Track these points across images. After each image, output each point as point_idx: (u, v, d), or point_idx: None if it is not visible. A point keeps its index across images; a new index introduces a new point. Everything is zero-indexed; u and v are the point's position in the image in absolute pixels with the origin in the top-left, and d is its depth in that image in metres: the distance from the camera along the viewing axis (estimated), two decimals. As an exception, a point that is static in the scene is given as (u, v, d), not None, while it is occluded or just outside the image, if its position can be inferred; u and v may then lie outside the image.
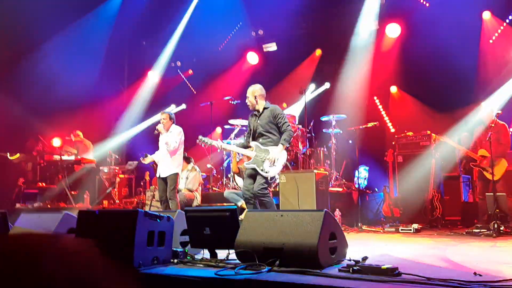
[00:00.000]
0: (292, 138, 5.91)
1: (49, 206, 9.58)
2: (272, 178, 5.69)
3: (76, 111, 11.10)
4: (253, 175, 5.73)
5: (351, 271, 3.10)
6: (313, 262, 3.25)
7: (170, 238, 3.82)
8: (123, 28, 11.82)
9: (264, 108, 5.81)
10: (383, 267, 3.01)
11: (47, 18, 10.09)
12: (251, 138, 5.89)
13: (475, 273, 2.98)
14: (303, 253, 3.30)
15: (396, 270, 2.99)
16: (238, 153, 7.97)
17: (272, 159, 5.56)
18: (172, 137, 7.21)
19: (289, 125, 5.74)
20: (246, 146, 5.97)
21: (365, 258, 3.32)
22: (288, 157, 8.80)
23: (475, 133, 7.73)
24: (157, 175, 7.30)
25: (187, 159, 8.65)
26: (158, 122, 7.46)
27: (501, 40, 9.41)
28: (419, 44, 9.61)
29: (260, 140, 5.76)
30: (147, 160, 7.61)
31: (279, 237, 3.49)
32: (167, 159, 7.19)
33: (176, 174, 7.20)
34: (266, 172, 5.59)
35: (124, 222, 3.56)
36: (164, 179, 7.18)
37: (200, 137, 6.26)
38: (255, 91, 5.84)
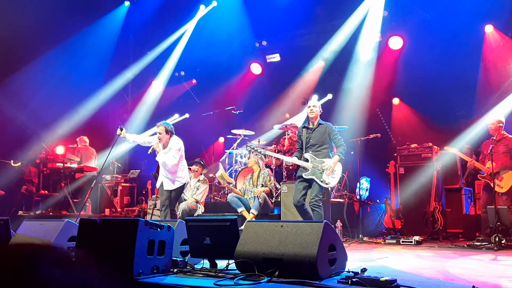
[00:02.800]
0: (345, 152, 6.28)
1: (51, 213, 9.61)
2: (332, 188, 6.00)
3: (80, 119, 11.17)
4: (307, 186, 6.07)
5: (350, 282, 3.11)
6: (312, 273, 3.26)
7: (170, 247, 3.84)
8: (128, 38, 11.91)
9: (319, 124, 6.23)
10: (381, 279, 3.03)
11: (52, 26, 10.20)
12: (304, 149, 6.27)
13: (473, 287, 2.99)
14: (302, 264, 3.32)
15: (394, 282, 3.00)
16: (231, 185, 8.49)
17: (329, 167, 5.93)
18: (170, 154, 6.71)
19: (343, 141, 6.21)
20: (298, 157, 6.31)
21: (364, 270, 3.34)
22: (291, 167, 8.82)
23: (483, 146, 7.63)
24: (159, 186, 6.89)
25: (202, 166, 8.56)
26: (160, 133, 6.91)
27: (504, 53, 9.43)
28: (421, 56, 9.65)
29: (311, 152, 6.15)
30: (123, 134, 6.96)
31: (278, 247, 3.50)
32: (170, 175, 6.79)
33: (183, 186, 6.90)
34: (327, 184, 5.94)
35: (124, 230, 3.59)
36: (169, 190, 6.84)
37: (249, 144, 6.79)
38: (320, 105, 6.33)
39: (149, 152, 6.97)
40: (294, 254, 3.40)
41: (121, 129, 6.99)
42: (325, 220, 3.55)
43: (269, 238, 3.62)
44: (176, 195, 6.88)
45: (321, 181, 5.93)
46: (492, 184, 6.87)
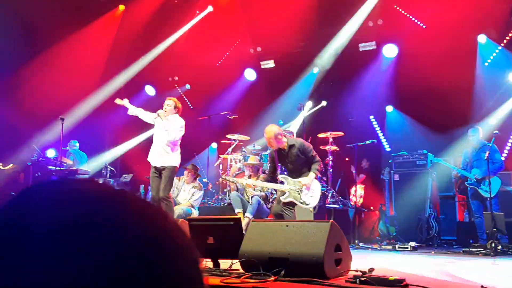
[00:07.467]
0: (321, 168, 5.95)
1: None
2: (314, 208, 5.67)
3: (73, 122, 11.05)
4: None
5: (358, 282, 3.08)
6: (318, 272, 3.22)
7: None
8: (122, 41, 11.84)
9: (290, 146, 5.75)
10: (390, 278, 3.00)
11: (47, 28, 10.11)
12: (278, 172, 5.91)
13: (482, 286, 2.97)
14: (309, 264, 3.28)
15: (403, 281, 2.98)
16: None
17: (307, 185, 5.54)
18: (175, 126, 6.18)
19: (317, 156, 5.79)
20: (270, 180, 5.94)
21: (371, 269, 3.31)
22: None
23: (464, 154, 7.92)
24: (152, 164, 6.20)
25: (195, 170, 8.49)
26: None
27: (496, 62, 9.54)
28: (415, 65, 9.69)
29: (289, 173, 5.80)
30: (120, 102, 6.64)
31: (284, 247, 3.47)
32: (164, 150, 6.19)
33: (175, 168, 6.25)
34: (307, 204, 5.58)
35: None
36: (159, 171, 6.19)
37: (223, 176, 6.74)
38: (270, 135, 5.76)
39: (154, 118, 6.39)
40: (300, 253, 3.36)
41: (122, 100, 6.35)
42: (331, 220, 3.53)
43: (274, 237, 3.58)
44: (167, 179, 6.11)
45: (301, 203, 5.57)
46: (479, 190, 7.36)
